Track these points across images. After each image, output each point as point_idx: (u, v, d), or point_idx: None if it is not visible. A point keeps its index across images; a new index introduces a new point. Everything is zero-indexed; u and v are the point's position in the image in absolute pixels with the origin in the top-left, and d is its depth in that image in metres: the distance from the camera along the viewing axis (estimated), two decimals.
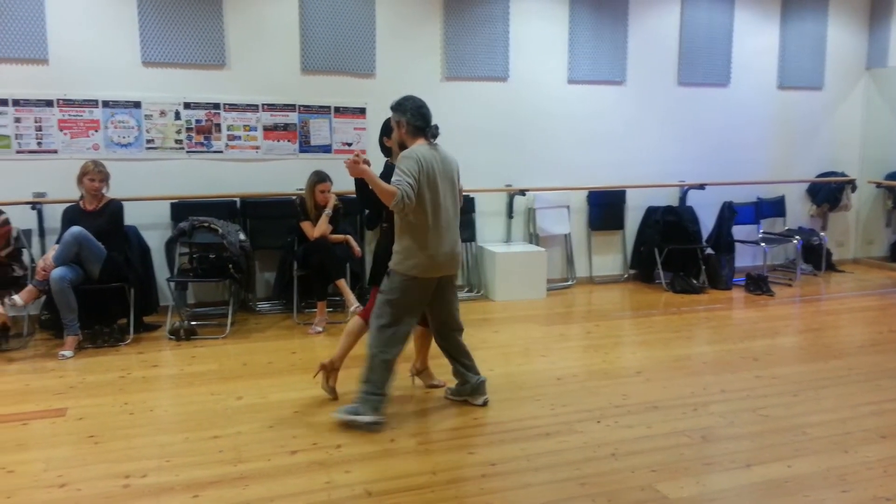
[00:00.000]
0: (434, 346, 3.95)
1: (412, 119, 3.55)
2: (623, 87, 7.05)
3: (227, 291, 5.81)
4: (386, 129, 3.77)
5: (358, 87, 6.20)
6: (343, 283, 5.31)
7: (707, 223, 7.27)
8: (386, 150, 3.88)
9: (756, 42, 7.46)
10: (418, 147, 3.51)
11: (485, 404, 3.82)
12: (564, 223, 6.94)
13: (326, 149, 6.18)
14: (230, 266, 5.28)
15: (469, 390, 3.85)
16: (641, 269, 7.17)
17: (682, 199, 7.32)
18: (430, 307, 3.72)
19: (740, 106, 7.50)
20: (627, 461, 3.18)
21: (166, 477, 2.99)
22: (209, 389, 4.06)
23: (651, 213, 7.14)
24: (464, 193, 3.91)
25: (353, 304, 5.22)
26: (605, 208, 7.12)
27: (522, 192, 6.71)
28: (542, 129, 6.82)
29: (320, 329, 5.29)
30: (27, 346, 4.91)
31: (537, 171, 6.81)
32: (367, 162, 3.33)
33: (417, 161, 3.41)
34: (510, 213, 6.78)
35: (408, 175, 3.34)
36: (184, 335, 5.08)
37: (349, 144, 6.25)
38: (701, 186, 7.25)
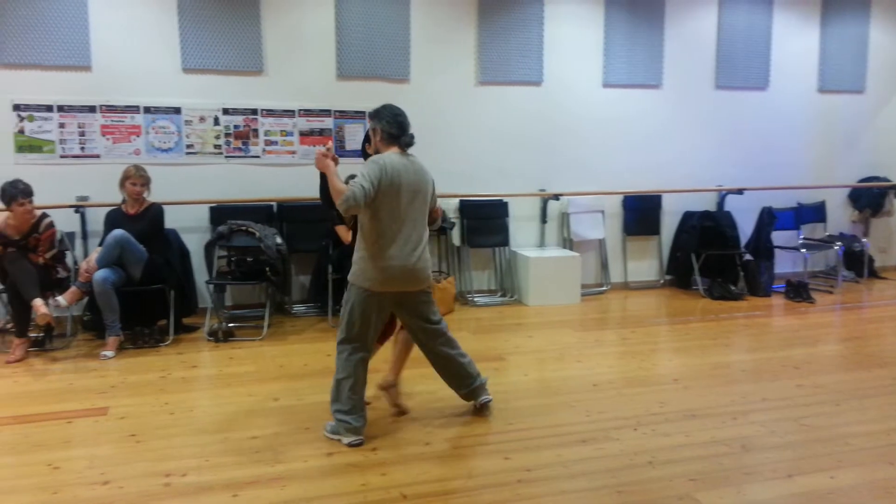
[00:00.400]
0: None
1: (387, 127, 3.46)
2: (659, 90, 6.98)
3: (263, 294, 5.89)
4: (367, 137, 3.76)
5: (392, 93, 6.24)
6: None
7: (746, 229, 7.16)
8: (364, 154, 3.90)
9: (796, 44, 7.34)
10: (388, 154, 3.39)
11: (482, 407, 3.75)
12: (599, 228, 6.89)
13: (361, 153, 6.21)
14: (267, 269, 5.35)
15: (470, 394, 3.76)
16: (678, 274, 7.08)
17: (720, 203, 7.22)
18: (406, 325, 3.64)
19: (780, 109, 7.38)
20: (665, 469, 3.14)
21: (206, 476, 3.03)
22: (247, 390, 4.11)
23: (688, 217, 7.05)
24: (439, 211, 3.74)
25: None
26: (640, 213, 7.05)
27: (556, 197, 6.68)
28: (576, 133, 6.78)
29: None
30: (70, 346, 5.03)
31: (571, 175, 6.78)
32: (335, 159, 3.35)
33: (381, 167, 3.29)
34: (544, 218, 6.75)
35: (365, 178, 3.23)
36: (222, 337, 5.15)
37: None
38: (739, 191, 7.14)
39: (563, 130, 6.75)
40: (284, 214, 6.02)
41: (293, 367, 4.59)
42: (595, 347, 5.06)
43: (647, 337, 5.36)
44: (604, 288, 6.94)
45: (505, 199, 6.58)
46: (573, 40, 6.69)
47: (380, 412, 3.76)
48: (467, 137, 6.49)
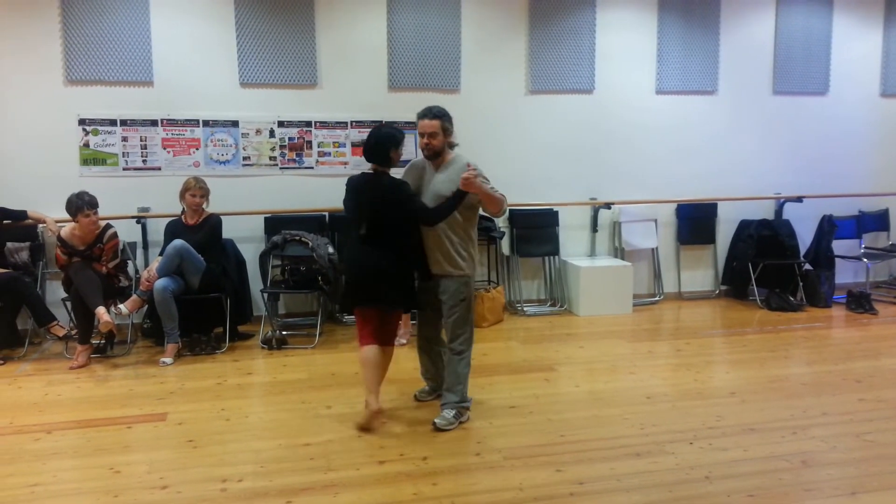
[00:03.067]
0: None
1: (451, 128, 3.84)
2: (714, 96, 6.85)
3: (315, 303, 5.98)
4: (395, 141, 3.65)
5: (443, 103, 6.13)
6: None
7: (805, 237, 6.95)
8: (385, 161, 3.63)
9: (857, 48, 7.11)
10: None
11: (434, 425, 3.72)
12: (652, 237, 6.78)
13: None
14: (319, 278, 5.43)
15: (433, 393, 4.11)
16: (734, 285, 6.91)
17: (779, 212, 7.03)
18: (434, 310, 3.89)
19: (840, 115, 7.15)
20: (723, 485, 3.06)
21: (261, 482, 3.09)
22: (300, 398, 4.17)
23: (744, 226, 6.88)
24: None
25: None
26: (695, 221, 6.91)
27: (608, 206, 6.61)
28: (628, 141, 6.70)
29: (404, 341, 5.35)
30: (130, 352, 5.19)
31: (623, 183, 6.70)
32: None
33: None
34: (595, 227, 6.68)
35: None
36: (275, 344, 5.25)
37: None
38: (798, 199, 6.94)
39: (615, 138, 6.68)
40: (336, 224, 6.10)
41: (345, 375, 4.64)
42: (648, 359, 4.97)
43: (703, 349, 5.24)
44: (657, 298, 6.82)
45: (555, 208, 6.53)
46: (626, 47, 6.62)
47: (425, 422, 3.77)
48: (517, 146, 6.47)
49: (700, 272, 7.04)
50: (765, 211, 7.04)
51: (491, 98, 6.39)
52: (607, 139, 6.66)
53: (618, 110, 6.66)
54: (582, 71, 6.54)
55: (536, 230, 6.48)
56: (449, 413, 3.73)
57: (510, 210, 6.41)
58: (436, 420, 3.71)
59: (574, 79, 6.53)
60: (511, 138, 6.46)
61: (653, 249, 6.84)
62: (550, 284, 6.64)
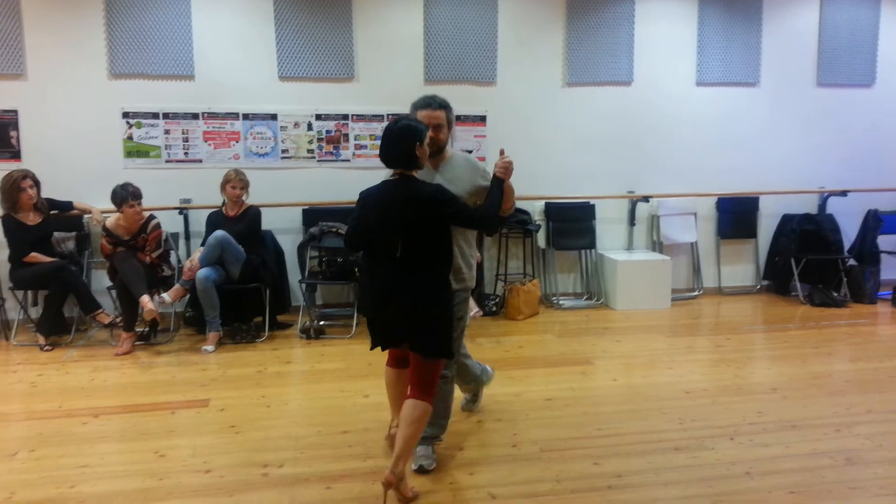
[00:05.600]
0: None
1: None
2: (756, 88, 6.72)
3: (352, 293, 6.03)
4: (419, 134, 2.88)
5: (479, 95, 6.28)
6: None
7: (849, 232, 6.79)
8: (411, 162, 2.87)
9: None
10: None
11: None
12: (691, 231, 6.69)
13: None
14: (356, 269, 5.48)
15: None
16: (776, 280, 6.78)
17: (822, 206, 6.87)
18: None
19: (887, 107, 6.96)
20: (764, 481, 3.01)
21: (301, 468, 3.13)
22: (338, 386, 4.22)
23: (787, 220, 6.75)
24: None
25: (474, 308, 5.27)
26: (735, 216, 6.80)
27: (646, 199, 6.53)
28: (667, 133, 6.62)
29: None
30: (173, 340, 5.30)
31: (662, 177, 6.62)
32: None
33: None
34: (632, 221, 6.61)
35: None
36: (313, 334, 5.32)
37: (469, 152, 6.32)
38: (843, 193, 6.78)
39: (654, 131, 6.60)
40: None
41: (381, 365, 4.60)
42: (687, 354, 4.91)
43: (743, 344, 5.16)
44: (696, 293, 6.73)
45: (592, 202, 6.49)
46: (665, 38, 6.53)
47: (461, 414, 3.78)
48: (553, 139, 6.44)
49: (741, 267, 6.92)
50: (808, 205, 6.90)
51: (528, 90, 6.36)
52: (646, 132, 6.59)
53: (657, 102, 6.58)
54: (620, 62, 6.47)
55: (573, 223, 6.44)
56: (430, 450, 3.20)
57: (546, 203, 6.39)
58: (422, 463, 3.12)
59: (612, 70, 6.47)
60: (548, 131, 6.42)
61: (692, 243, 6.75)
62: (587, 278, 6.60)
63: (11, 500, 2.87)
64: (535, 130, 6.39)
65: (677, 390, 4.16)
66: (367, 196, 3.00)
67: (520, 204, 6.29)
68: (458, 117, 6.27)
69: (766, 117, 6.77)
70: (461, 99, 6.25)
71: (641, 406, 3.91)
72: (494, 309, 6.04)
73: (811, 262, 6.46)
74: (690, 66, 6.60)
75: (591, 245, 6.51)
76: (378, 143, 6.29)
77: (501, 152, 3.13)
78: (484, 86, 6.28)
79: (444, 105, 3.16)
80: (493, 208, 3.05)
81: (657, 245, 6.66)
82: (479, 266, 5.87)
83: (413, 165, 2.91)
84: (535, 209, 6.38)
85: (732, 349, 5.02)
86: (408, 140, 2.88)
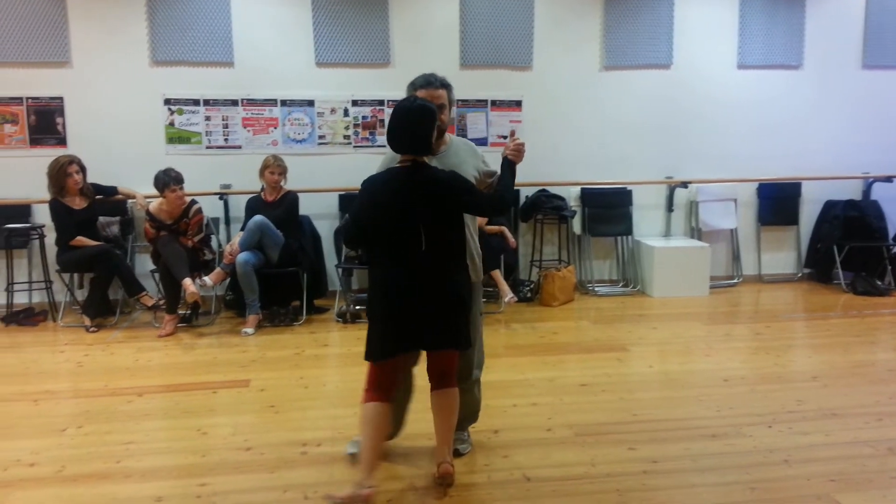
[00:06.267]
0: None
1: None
2: (799, 71, 6.56)
3: None
4: (435, 116, 2.72)
5: (514, 80, 6.24)
6: (497, 274, 5.39)
7: (895, 219, 6.61)
8: (428, 146, 2.72)
9: None
10: None
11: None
12: (731, 217, 6.58)
13: (482, 142, 6.28)
14: None
15: None
16: (818, 267, 6.64)
17: (866, 192, 6.70)
18: None
19: None
20: (803, 468, 2.98)
21: (339, 447, 3.18)
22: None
23: (830, 207, 6.60)
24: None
25: (508, 294, 5.28)
26: (777, 202, 6.67)
27: (684, 185, 6.44)
28: (707, 117, 6.51)
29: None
30: (214, 322, 5.42)
31: (701, 162, 6.51)
32: None
33: None
34: (670, 207, 6.53)
35: None
36: (349, 318, 5.39)
37: (505, 138, 6.29)
38: (888, 179, 6.59)
39: (693, 115, 6.49)
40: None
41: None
42: (725, 341, 4.86)
43: (783, 332, 5.07)
44: (735, 280, 6.63)
45: (629, 187, 6.42)
46: (706, 20, 6.40)
47: (495, 396, 3.81)
48: (590, 124, 6.38)
49: (782, 254, 6.80)
50: (852, 191, 6.73)
51: (564, 74, 6.31)
52: (685, 116, 6.48)
53: (697, 86, 6.47)
54: (659, 45, 6.37)
55: (609, 209, 6.39)
56: (466, 435, 3.20)
57: (582, 189, 6.34)
58: (458, 446, 3.09)
59: (651, 53, 6.37)
60: (584, 116, 6.36)
61: (732, 230, 6.64)
62: (623, 265, 6.55)
63: (62, 474, 2.99)
64: (572, 115, 6.34)
65: (715, 378, 4.12)
66: (373, 186, 2.75)
67: (555, 189, 6.26)
68: (494, 102, 6.26)
69: (810, 101, 6.61)
70: (497, 84, 6.23)
71: (678, 393, 3.88)
72: (529, 295, 6.03)
73: (854, 249, 6.31)
74: (731, 48, 6.46)
75: (628, 231, 6.45)
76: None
77: (512, 134, 2.95)
78: (520, 70, 6.24)
79: (445, 84, 2.94)
80: (507, 192, 2.83)
81: (696, 232, 6.57)
82: (515, 252, 5.90)
83: (428, 150, 2.72)
84: (571, 195, 6.34)
85: (772, 337, 4.94)
86: (427, 122, 2.67)
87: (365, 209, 2.75)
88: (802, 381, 4.04)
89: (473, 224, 3.04)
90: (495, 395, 3.83)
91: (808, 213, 6.74)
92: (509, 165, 2.87)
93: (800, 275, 6.78)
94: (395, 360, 2.80)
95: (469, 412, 3.18)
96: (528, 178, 6.24)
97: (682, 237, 6.57)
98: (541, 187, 6.26)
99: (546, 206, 6.16)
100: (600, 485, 2.85)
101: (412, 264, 2.68)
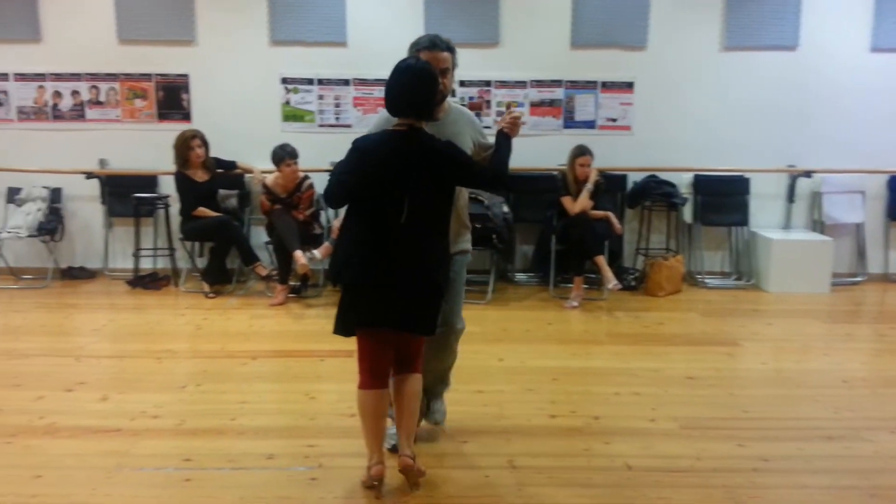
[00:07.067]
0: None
1: None
2: None
3: (488, 260, 6.07)
4: (436, 79, 2.60)
5: (627, 61, 6.06)
6: (601, 260, 5.28)
7: None
8: (430, 110, 2.61)
9: None
10: None
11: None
12: (858, 211, 6.15)
13: (590, 124, 6.15)
14: (493, 236, 5.51)
15: None
16: None
17: None
18: None
19: None
20: None
21: (438, 426, 3.22)
22: (473, 349, 4.27)
23: None
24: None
25: (611, 281, 5.17)
26: None
27: (808, 174, 6.07)
28: (835, 103, 6.08)
29: (576, 304, 5.31)
30: (321, 295, 5.61)
31: (827, 150, 6.10)
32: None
33: None
34: (791, 197, 6.17)
35: None
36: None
37: (614, 120, 6.15)
38: None
39: (820, 100, 6.08)
40: (511, 184, 6.12)
41: (516, 331, 4.72)
42: (845, 341, 4.57)
43: None
44: (859, 278, 6.20)
45: (746, 175, 6.11)
46: None
47: (598, 383, 3.75)
48: (706, 107, 6.10)
49: None
50: None
51: (681, 55, 6.06)
52: (811, 101, 6.09)
53: (825, 69, 6.05)
54: (785, 25, 6.00)
55: (724, 198, 6.10)
56: (443, 405, 3.18)
57: (695, 175, 6.10)
58: (437, 418, 3.12)
59: (775, 34, 6.01)
60: (701, 98, 6.09)
61: (858, 224, 6.20)
62: (736, 256, 6.25)
63: (181, 427, 3.20)
64: (687, 98, 6.09)
65: (833, 378, 3.88)
66: (366, 147, 2.57)
67: (666, 175, 6.05)
68: (604, 84, 6.11)
69: None
70: (607, 65, 6.07)
71: (792, 392, 3.69)
72: (633, 284, 5.88)
73: None
74: (865, 29, 5.99)
75: (744, 222, 6.14)
76: (520, 110, 6.25)
77: (508, 106, 2.84)
78: (633, 50, 6.04)
79: (450, 47, 2.75)
80: (503, 167, 2.67)
81: (818, 225, 6.18)
82: (620, 238, 5.76)
83: (428, 115, 2.57)
84: (683, 181, 6.10)
85: None
86: (430, 84, 2.52)
87: (351, 169, 2.56)
88: None
89: (463, 195, 2.88)
90: (596, 381, 3.79)
91: None
92: (505, 139, 2.72)
93: None
94: (381, 343, 2.65)
95: (442, 369, 3.07)
96: (636, 163, 6.08)
97: (803, 230, 6.20)
98: (650, 173, 6.06)
99: (655, 192, 5.96)
100: (706, 479, 2.76)
101: (390, 236, 2.52)
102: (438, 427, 3.16)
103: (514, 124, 2.73)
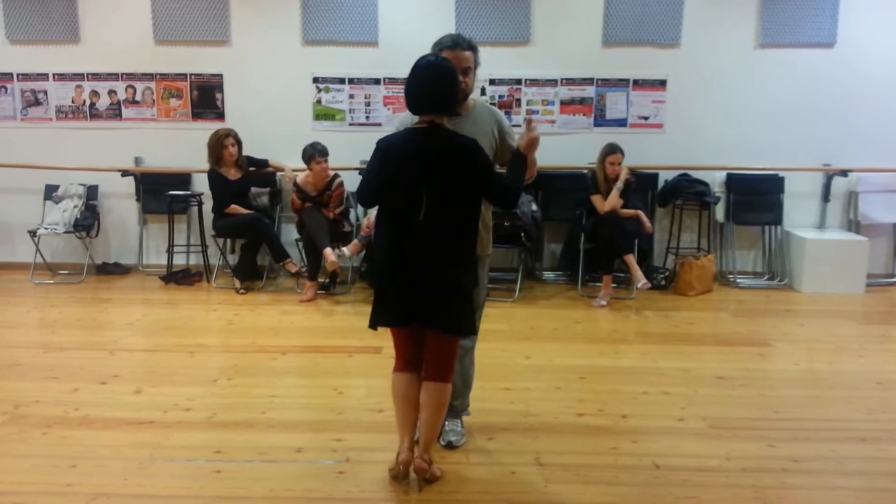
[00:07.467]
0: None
1: None
2: None
3: (516, 258, 6.08)
4: (456, 76, 2.60)
5: (659, 58, 6.00)
6: (631, 259, 5.24)
7: None
8: (451, 106, 2.62)
9: None
10: None
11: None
12: (894, 210, 6.01)
13: (622, 122, 6.10)
14: (521, 234, 5.51)
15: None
16: None
17: None
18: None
19: None
20: None
21: (465, 418, 3.24)
22: (500, 346, 4.30)
23: None
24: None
25: (641, 280, 5.13)
26: None
27: (844, 173, 5.95)
28: (874, 101, 5.95)
29: (604, 303, 5.28)
30: (350, 292, 5.66)
31: (864, 149, 5.98)
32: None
33: None
34: (826, 196, 6.06)
35: None
36: (487, 294, 5.42)
37: (645, 118, 6.09)
38: None
39: (858, 98, 5.96)
40: (539, 182, 5.98)
41: (543, 330, 4.71)
42: (881, 343, 4.47)
43: None
44: (895, 279, 6.06)
45: (781, 174, 6.01)
46: None
47: (626, 382, 3.72)
48: (740, 105, 6.01)
49: None
50: None
51: (715, 52, 5.98)
52: (848, 99, 5.96)
53: (863, 67, 5.92)
54: (822, 22, 5.88)
55: (757, 196, 6.01)
56: (459, 426, 3.07)
57: (728, 174, 6.02)
58: (451, 438, 2.98)
59: (812, 31, 5.90)
60: (734, 97, 6.01)
61: (894, 224, 6.07)
62: (769, 256, 6.15)
63: (213, 420, 3.25)
64: (721, 96, 6.01)
65: (868, 380, 3.81)
66: (388, 146, 2.58)
67: (698, 174, 5.99)
68: (636, 82, 6.06)
69: None
70: (639, 62, 6.01)
71: (825, 393, 3.63)
72: (663, 283, 5.82)
73: None
74: None
75: (777, 221, 6.05)
76: (550, 108, 6.21)
77: (528, 122, 2.73)
78: (666, 48, 5.98)
79: (472, 46, 2.77)
80: (514, 187, 2.64)
81: (853, 224, 6.06)
82: (650, 237, 5.71)
83: (450, 111, 2.57)
84: (716, 180, 6.02)
85: None
86: (449, 80, 2.51)
87: (377, 168, 2.58)
88: None
89: None
90: (624, 380, 3.76)
91: None
92: (520, 159, 2.68)
93: None
94: (411, 336, 2.66)
95: (462, 385, 3.01)
96: (668, 161, 6.02)
97: (838, 229, 6.08)
98: (682, 171, 6.00)
99: (687, 190, 5.90)
100: (735, 479, 2.73)
101: (411, 233, 2.51)
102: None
103: (531, 145, 2.70)
